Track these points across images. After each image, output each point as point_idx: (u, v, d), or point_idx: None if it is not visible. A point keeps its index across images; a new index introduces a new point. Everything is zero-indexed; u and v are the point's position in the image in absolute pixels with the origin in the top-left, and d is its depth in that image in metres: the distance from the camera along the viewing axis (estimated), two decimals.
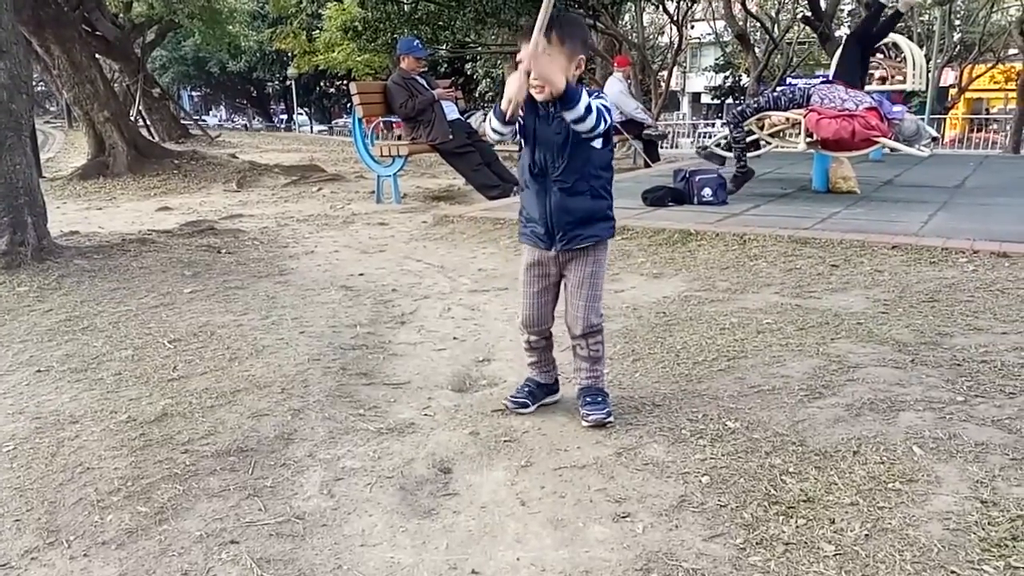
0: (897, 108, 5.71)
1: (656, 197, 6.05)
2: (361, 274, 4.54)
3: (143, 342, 3.22)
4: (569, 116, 2.12)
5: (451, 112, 7.47)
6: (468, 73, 30.34)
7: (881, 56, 9.24)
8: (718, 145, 7.17)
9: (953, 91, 28.28)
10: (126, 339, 3.27)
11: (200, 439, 2.29)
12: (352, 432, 2.34)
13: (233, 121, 51.59)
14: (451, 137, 7.27)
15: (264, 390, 2.67)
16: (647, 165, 9.84)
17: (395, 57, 7.78)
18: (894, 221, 5.11)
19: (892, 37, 8.83)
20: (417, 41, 7.81)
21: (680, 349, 2.96)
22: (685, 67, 36.45)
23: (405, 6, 11.96)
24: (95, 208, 8.03)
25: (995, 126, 24.21)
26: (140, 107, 18.08)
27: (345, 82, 35.23)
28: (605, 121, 2.18)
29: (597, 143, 2.25)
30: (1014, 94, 21.11)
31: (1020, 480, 1.88)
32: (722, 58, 32.10)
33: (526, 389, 2.50)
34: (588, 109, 2.11)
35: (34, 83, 5.94)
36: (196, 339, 3.26)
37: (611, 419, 2.33)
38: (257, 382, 2.75)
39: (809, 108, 5.88)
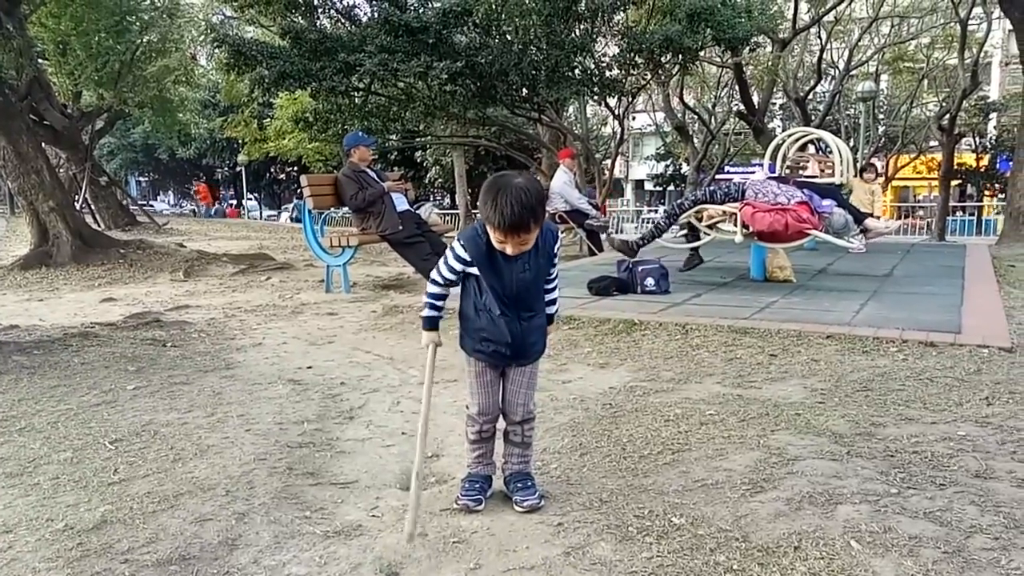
0: (826, 202, 6.02)
1: (601, 287, 6.20)
2: (309, 367, 4.52)
3: (83, 443, 3.15)
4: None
5: (401, 203, 7.60)
6: (418, 161, 30.92)
7: (811, 151, 9.77)
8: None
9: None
10: (65, 440, 3.19)
11: (140, 547, 2.23)
12: (298, 536, 2.31)
13: (181, 206, 51.27)
14: (401, 228, 7.38)
15: (208, 493, 2.63)
16: (592, 253, 10.09)
17: (345, 150, 7.90)
18: (828, 310, 5.32)
19: (819, 134, 9.39)
20: (362, 132, 7.98)
21: (626, 442, 3.01)
22: (628, 156, 37.69)
23: (356, 99, 12.21)
24: (36, 299, 7.85)
25: (921, 212, 25.53)
26: (86, 195, 17.92)
27: (295, 168, 35.61)
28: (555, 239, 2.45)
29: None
30: (937, 182, 22.39)
31: (952, 574, 1.95)
32: (663, 147, 33.30)
33: (476, 485, 2.53)
34: None
35: None
36: (139, 439, 3.19)
37: (542, 502, 2.45)
38: (201, 484, 2.70)
39: (744, 202, 6.16)
